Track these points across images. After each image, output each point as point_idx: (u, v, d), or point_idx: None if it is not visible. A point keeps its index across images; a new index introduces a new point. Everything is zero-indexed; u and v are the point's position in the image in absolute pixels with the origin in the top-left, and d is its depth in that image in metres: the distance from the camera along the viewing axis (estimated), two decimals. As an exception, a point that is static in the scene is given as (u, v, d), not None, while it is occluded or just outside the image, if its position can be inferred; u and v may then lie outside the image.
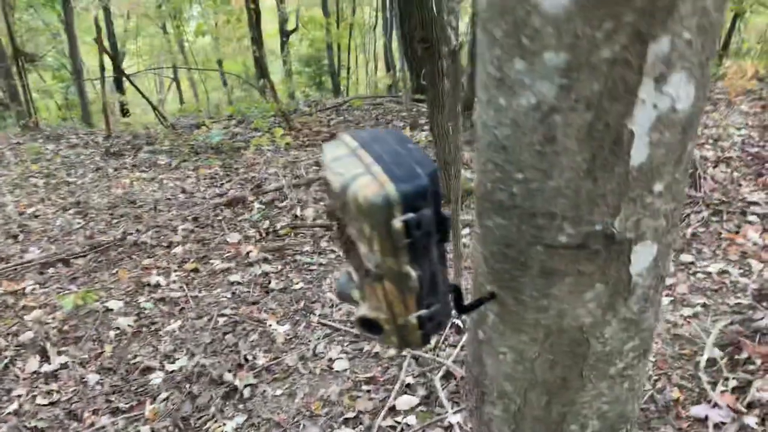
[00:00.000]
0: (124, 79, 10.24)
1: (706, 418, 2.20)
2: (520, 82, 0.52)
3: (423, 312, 0.55)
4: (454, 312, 0.64)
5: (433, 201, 0.51)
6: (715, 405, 2.23)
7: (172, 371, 2.89)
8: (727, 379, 2.36)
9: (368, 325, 0.57)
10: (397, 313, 0.54)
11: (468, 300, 0.71)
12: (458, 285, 0.64)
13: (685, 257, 3.43)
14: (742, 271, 3.22)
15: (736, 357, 2.47)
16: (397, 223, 0.48)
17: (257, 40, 8.37)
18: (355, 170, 0.50)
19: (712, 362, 2.48)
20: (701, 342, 2.61)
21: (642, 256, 0.60)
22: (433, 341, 2.85)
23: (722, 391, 2.30)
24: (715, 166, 4.47)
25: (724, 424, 2.15)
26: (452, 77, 2.60)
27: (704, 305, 2.94)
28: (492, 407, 0.78)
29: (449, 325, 2.87)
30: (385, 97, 9.32)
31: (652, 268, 0.62)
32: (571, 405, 0.71)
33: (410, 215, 0.48)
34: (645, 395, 2.34)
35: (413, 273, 0.52)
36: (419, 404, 2.49)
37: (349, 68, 16.35)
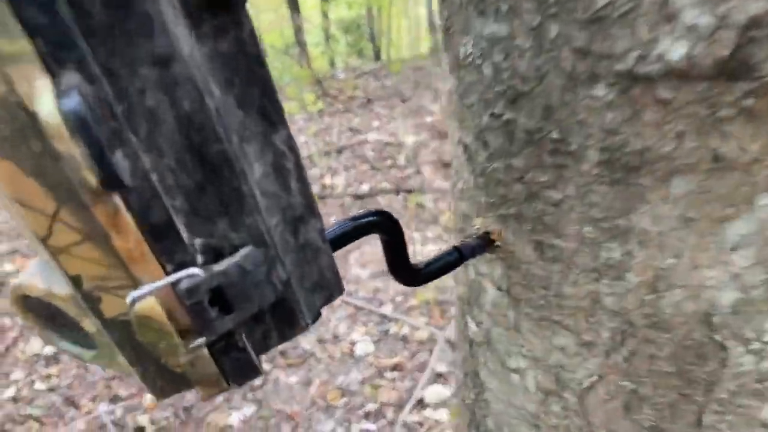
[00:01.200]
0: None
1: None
2: None
3: (188, 275, 0.16)
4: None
5: None
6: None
7: (179, 354, 2.62)
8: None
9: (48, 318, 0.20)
10: (91, 278, 0.15)
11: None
12: (389, 213, 0.25)
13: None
14: None
15: None
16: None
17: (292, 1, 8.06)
18: None
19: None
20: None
21: None
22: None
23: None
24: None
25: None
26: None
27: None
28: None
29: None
30: (426, 60, 8.80)
31: None
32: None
33: None
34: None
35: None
36: (452, 397, 2.12)
37: (390, 32, 15.81)
